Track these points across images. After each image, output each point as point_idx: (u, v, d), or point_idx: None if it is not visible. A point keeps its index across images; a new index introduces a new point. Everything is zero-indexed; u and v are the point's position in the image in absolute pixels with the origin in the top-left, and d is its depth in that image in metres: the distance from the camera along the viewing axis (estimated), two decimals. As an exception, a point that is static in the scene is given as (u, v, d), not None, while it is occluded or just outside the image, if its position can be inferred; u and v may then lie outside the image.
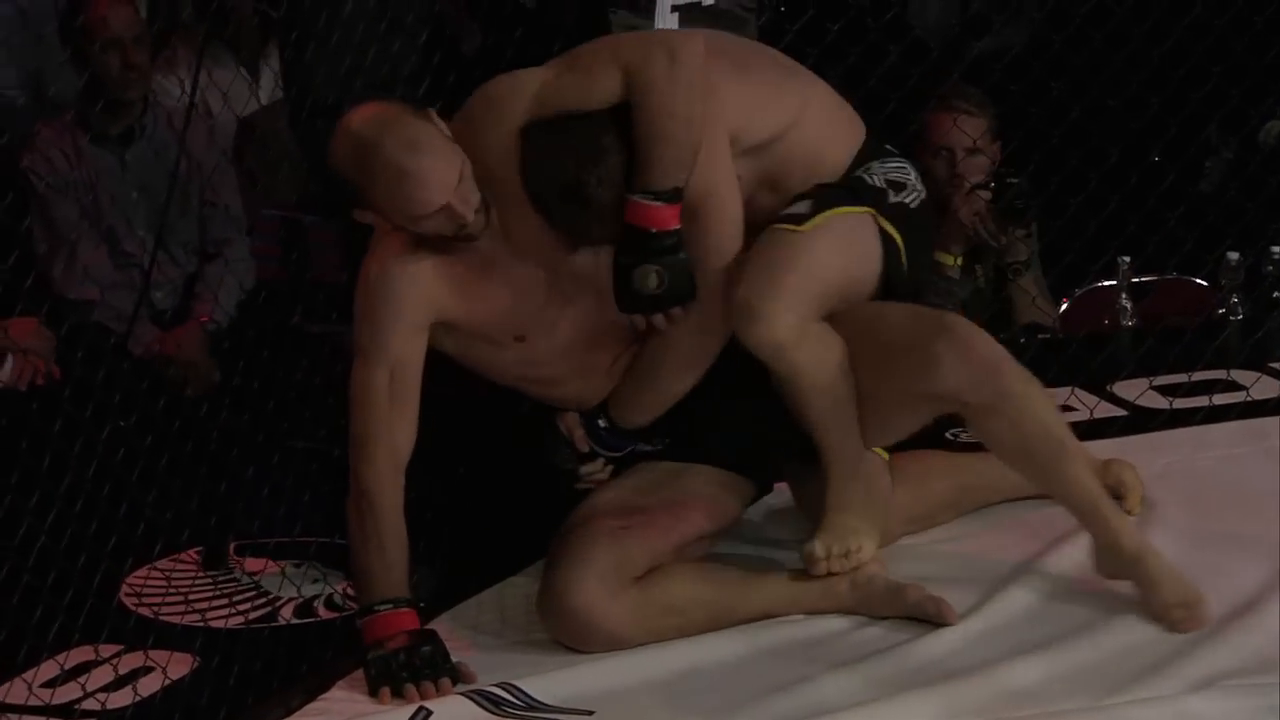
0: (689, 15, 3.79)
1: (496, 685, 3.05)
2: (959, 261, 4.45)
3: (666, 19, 3.77)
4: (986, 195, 4.41)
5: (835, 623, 3.20)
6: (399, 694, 3.04)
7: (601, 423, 3.30)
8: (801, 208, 3.26)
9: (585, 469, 3.33)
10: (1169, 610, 3.10)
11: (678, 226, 3.13)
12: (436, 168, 3.01)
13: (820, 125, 3.32)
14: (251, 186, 4.76)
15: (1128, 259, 4.54)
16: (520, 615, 3.35)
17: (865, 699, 2.94)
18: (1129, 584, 3.16)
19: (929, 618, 3.15)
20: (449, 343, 3.21)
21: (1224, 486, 3.60)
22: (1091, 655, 3.04)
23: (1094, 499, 3.16)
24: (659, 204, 3.11)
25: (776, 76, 3.34)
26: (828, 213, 3.25)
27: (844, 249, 3.26)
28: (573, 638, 3.16)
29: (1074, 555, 3.30)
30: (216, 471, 3.54)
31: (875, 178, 3.32)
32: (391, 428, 3.14)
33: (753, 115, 3.25)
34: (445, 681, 3.06)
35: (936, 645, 3.09)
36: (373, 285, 3.15)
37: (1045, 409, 3.20)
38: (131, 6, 4.61)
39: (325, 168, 3.82)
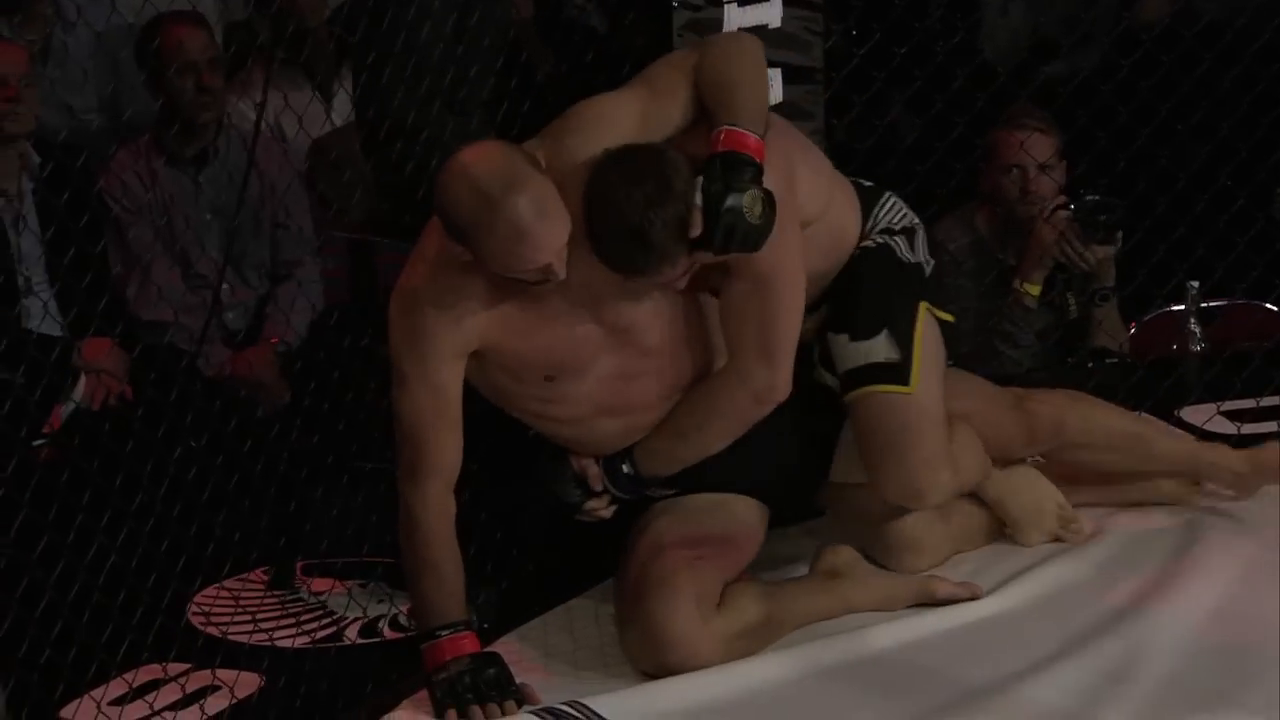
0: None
1: (566, 704, 3.06)
2: (1037, 291, 4.45)
3: (733, 43, 3.79)
4: (1067, 214, 4.41)
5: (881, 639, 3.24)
6: (464, 716, 3.05)
7: (625, 468, 3.28)
8: (886, 348, 3.31)
9: (590, 504, 3.32)
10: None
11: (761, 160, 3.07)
12: (555, 232, 2.98)
13: (842, 205, 3.37)
14: (324, 208, 4.79)
15: (1196, 284, 4.52)
16: (592, 636, 3.37)
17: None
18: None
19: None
20: (470, 367, 3.18)
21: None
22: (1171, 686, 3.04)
23: (1189, 456, 3.62)
24: (756, 137, 3.06)
25: (821, 155, 3.42)
26: (914, 344, 3.31)
27: (936, 367, 3.37)
28: (667, 666, 3.16)
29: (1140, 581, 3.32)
30: (285, 492, 3.58)
31: (900, 246, 3.39)
32: (439, 450, 3.14)
33: (810, 194, 3.27)
34: (510, 704, 3.07)
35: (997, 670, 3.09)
36: (417, 309, 3.11)
37: (1108, 417, 3.56)
38: (205, 30, 4.64)
39: (395, 189, 3.89)
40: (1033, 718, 2.97)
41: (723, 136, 3.05)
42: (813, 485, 3.49)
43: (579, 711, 3.05)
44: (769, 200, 3.03)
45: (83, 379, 4.27)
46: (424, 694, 3.13)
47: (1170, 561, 3.43)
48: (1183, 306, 4.60)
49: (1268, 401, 4.06)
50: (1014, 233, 4.53)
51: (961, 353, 3.85)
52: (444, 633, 3.12)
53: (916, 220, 3.47)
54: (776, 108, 3.84)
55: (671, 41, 3.76)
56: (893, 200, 3.46)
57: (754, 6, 3.77)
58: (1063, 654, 3.13)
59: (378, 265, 4.56)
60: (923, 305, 3.37)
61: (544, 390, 3.21)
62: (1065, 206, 4.42)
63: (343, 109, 5.00)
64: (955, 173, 4.32)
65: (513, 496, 3.55)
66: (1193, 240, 4.24)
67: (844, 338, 3.34)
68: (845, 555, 3.39)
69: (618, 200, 3.01)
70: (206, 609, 3.56)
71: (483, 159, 3.00)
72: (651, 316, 3.18)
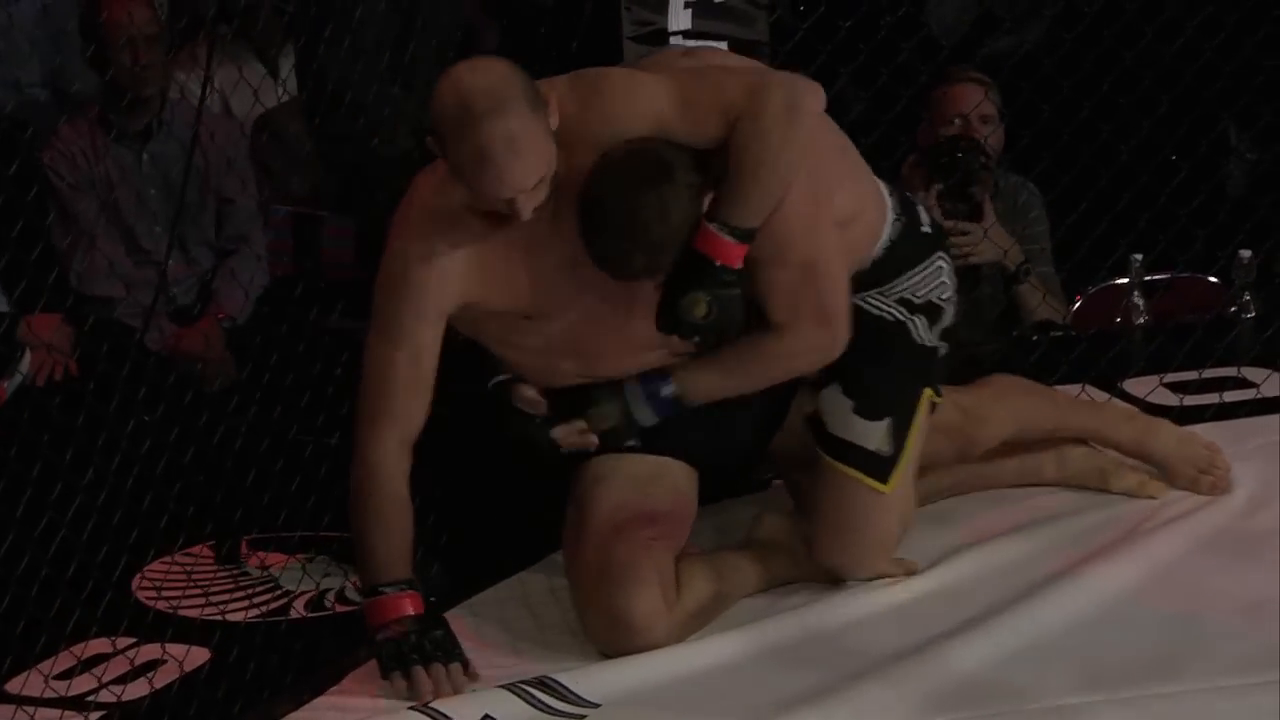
0: (701, 10, 3.81)
1: (536, 679, 3.06)
2: None
3: (679, 15, 3.79)
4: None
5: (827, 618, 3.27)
6: (408, 678, 3.03)
7: (667, 390, 3.19)
8: (881, 438, 3.28)
9: (559, 432, 3.23)
10: (1195, 482, 3.54)
11: (740, 267, 3.06)
12: (523, 171, 2.94)
13: (871, 219, 3.30)
14: (269, 180, 4.78)
15: (1140, 257, 4.54)
16: (551, 612, 3.37)
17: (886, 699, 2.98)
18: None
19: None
20: (453, 315, 3.14)
21: (1236, 480, 3.61)
22: (1102, 648, 3.07)
23: (1086, 423, 3.61)
24: (733, 240, 3.04)
25: (860, 161, 3.36)
26: (908, 441, 3.30)
27: (917, 460, 3.35)
28: (630, 650, 3.16)
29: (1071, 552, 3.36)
30: (231, 466, 3.57)
31: (917, 327, 3.33)
32: (406, 408, 3.09)
33: (842, 194, 3.24)
34: (456, 666, 3.05)
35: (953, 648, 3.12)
36: (401, 269, 3.08)
37: (1032, 410, 3.56)
38: (148, 5, 4.62)
39: (338, 163, 3.88)
40: (975, 689, 2.99)
41: (700, 235, 3.04)
42: (751, 460, 3.50)
43: (551, 686, 3.06)
44: (724, 302, 3.05)
45: (28, 354, 4.26)
46: (372, 664, 3.12)
47: (1112, 532, 3.45)
48: (1126, 280, 4.62)
49: (1210, 373, 4.08)
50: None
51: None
52: (387, 590, 3.06)
53: (947, 295, 3.37)
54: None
55: (620, 16, 3.76)
56: (936, 266, 3.36)
57: (700, -21, 3.79)
58: (1003, 625, 3.15)
59: (322, 238, 4.56)
60: (926, 393, 3.34)
61: (519, 325, 3.17)
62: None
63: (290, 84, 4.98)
64: (900, 146, 4.34)
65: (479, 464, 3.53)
66: (1136, 214, 4.26)
67: (849, 404, 3.29)
68: (782, 526, 3.40)
69: (615, 209, 3.00)
70: (155, 583, 3.55)
71: (478, 73, 2.96)
72: None
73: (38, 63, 5.03)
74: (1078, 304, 4.75)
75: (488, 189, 2.96)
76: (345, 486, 3.15)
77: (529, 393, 3.24)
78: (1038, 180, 4.62)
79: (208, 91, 4.08)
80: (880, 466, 3.29)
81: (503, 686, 3.04)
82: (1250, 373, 4.11)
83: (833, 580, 3.35)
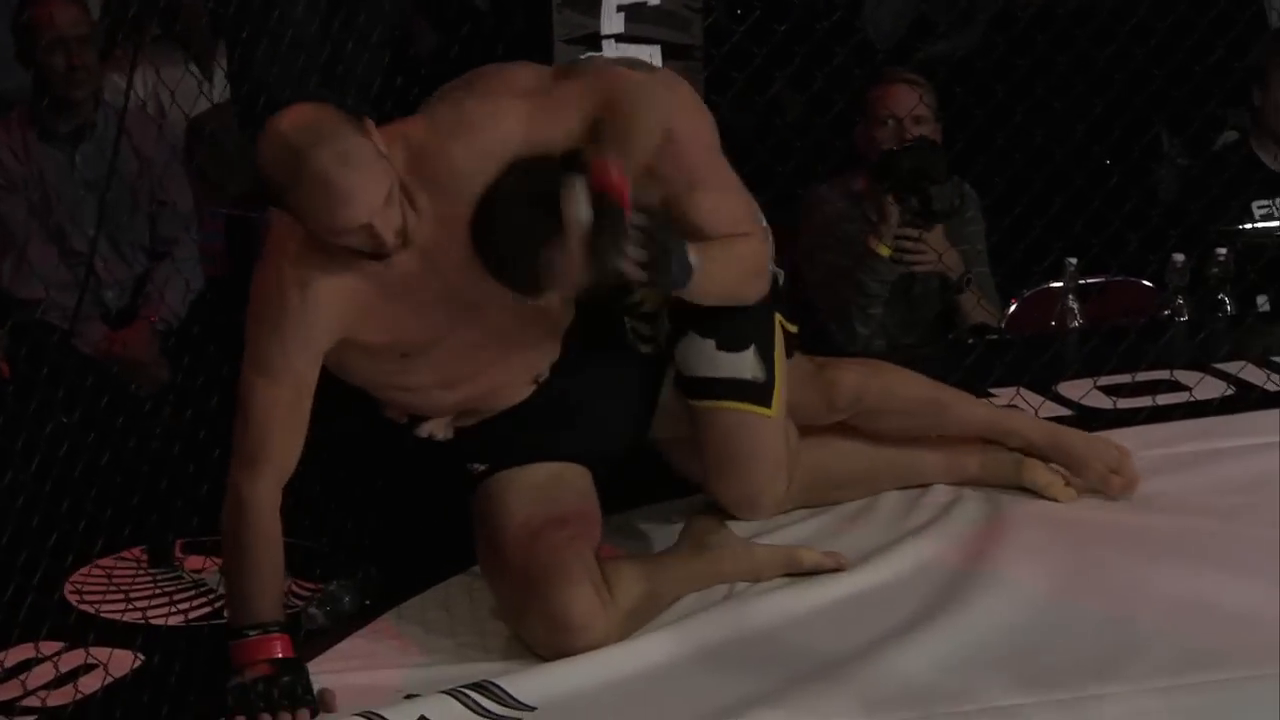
0: (635, 15, 3.81)
1: (474, 685, 3.04)
2: (886, 252, 4.50)
3: (612, 19, 3.79)
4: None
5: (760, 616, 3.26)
6: None
7: (692, 256, 3.09)
8: (753, 365, 3.29)
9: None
10: (1106, 481, 3.54)
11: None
12: (365, 186, 2.91)
13: None
14: (202, 183, 4.76)
15: (1074, 260, 4.56)
16: (468, 614, 3.35)
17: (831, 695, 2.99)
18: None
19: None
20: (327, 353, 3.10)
21: (1168, 483, 3.63)
22: (1036, 649, 3.08)
23: (987, 421, 3.63)
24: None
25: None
26: (777, 363, 3.31)
27: (787, 381, 3.35)
28: (570, 651, 3.14)
29: (1006, 553, 3.36)
30: (163, 469, 3.54)
31: None
32: (285, 446, 3.05)
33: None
34: (303, 713, 3.00)
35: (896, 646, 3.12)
36: (279, 300, 3.03)
37: (906, 386, 3.55)
38: (78, 5, 4.59)
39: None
40: (909, 691, 2.98)
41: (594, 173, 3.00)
42: (635, 447, 3.46)
43: (488, 689, 3.03)
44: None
45: (-46, 355, 4.22)
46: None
47: (1041, 532, 3.47)
48: (1061, 283, 4.64)
49: (1143, 376, 4.09)
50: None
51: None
52: (252, 632, 3.02)
53: (766, 224, 3.39)
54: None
55: (551, 17, 3.75)
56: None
57: (634, -18, 3.79)
58: (935, 626, 3.15)
59: (257, 240, 4.53)
60: (777, 317, 3.36)
61: (396, 364, 3.16)
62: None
63: (222, 86, 4.96)
64: (835, 149, 4.35)
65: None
66: (1070, 218, 4.28)
67: (709, 343, 3.30)
68: (714, 526, 3.41)
69: (517, 233, 2.99)
70: (81, 588, 3.52)
71: (292, 115, 2.94)
72: (504, 295, 3.11)
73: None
74: (1013, 307, 4.76)
75: (339, 215, 2.92)
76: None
77: (430, 426, 3.27)
78: (973, 184, 4.64)
79: (137, 93, 4.04)
80: (759, 391, 3.30)
81: (443, 692, 3.02)
82: (1183, 376, 4.13)
83: (760, 578, 3.35)
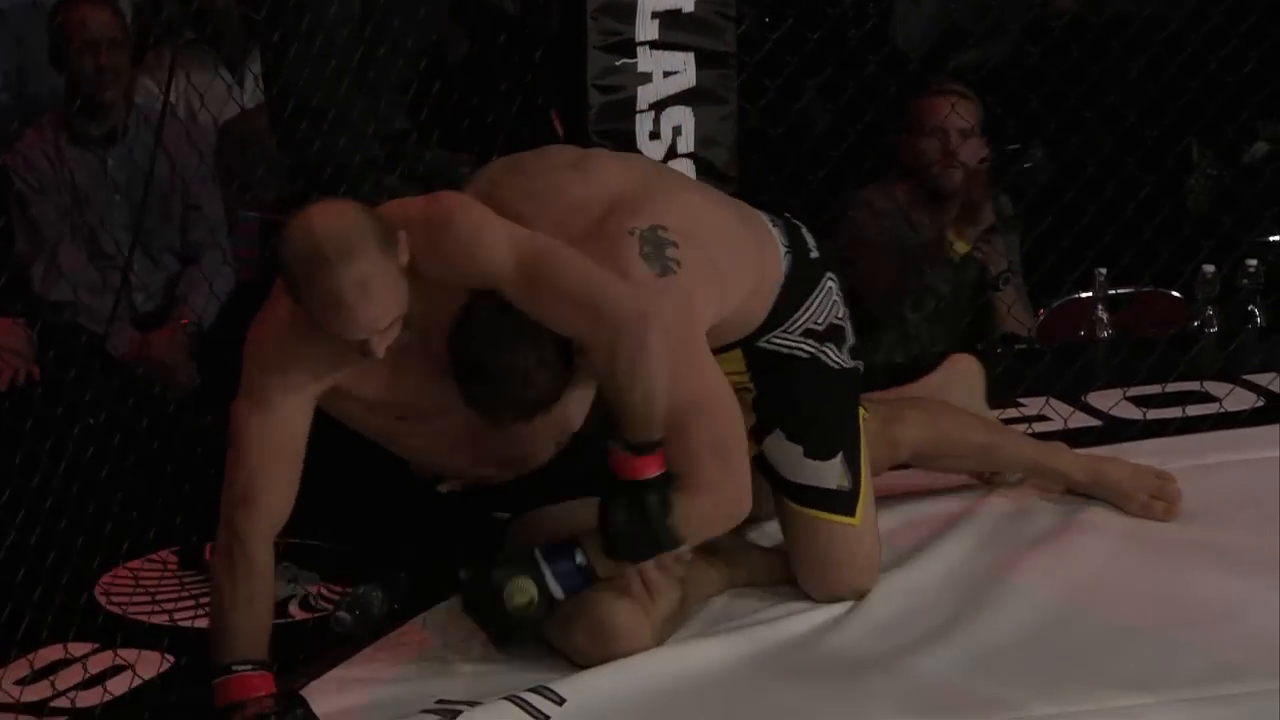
0: (669, 21, 3.82)
1: (530, 690, 3.03)
2: (964, 249, 4.49)
3: (646, 25, 3.79)
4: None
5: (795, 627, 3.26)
6: None
7: (579, 559, 3.11)
8: (839, 474, 3.29)
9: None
10: (1149, 509, 3.54)
11: (658, 472, 3.03)
12: (373, 315, 2.91)
13: (767, 271, 3.26)
14: (233, 189, 4.76)
15: (1104, 271, 4.56)
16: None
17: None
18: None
19: None
20: (325, 399, 3.10)
21: (1198, 495, 3.60)
22: (1060, 660, 3.08)
23: (1032, 462, 3.64)
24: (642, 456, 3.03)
25: (742, 254, 3.24)
26: (862, 468, 3.31)
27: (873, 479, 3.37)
28: (613, 657, 3.14)
29: (1034, 562, 3.37)
30: (195, 472, 3.55)
31: (830, 354, 3.30)
32: (277, 487, 3.03)
33: (720, 309, 3.19)
34: None
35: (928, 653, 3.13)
36: (276, 341, 3.03)
37: (960, 432, 3.58)
38: (110, 9, 4.61)
39: (304, 169, 3.87)
40: (941, 699, 2.99)
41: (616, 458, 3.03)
42: None
43: (547, 694, 3.04)
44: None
45: (-12, 359, 4.24)
46: (334, 674, 3.12)
47: (1070, 542, 3.47)
48: (1090, 293, 4.64)
49: (1173, 387, 4.09)
50: (932, 206, 4.58)
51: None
52: (243, 669, 2.98)
53: (842, 313, 3.34)
54: (689, 92, 3.87)
55: (585, 25, 3.75)
56: (827, 288, 3.32)
57: (668, -10, 3.79)
58: (965, 634, 3.15)
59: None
60: (862, 413, 3.36)
61: (395, 425, 3.18)
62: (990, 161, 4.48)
63: (253, 89, 4.97)
64: (866, 159, 4.34)
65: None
66: (1101, 228, 4.28)
67: (797, 450, 3.29)
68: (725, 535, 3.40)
69: (490, 363, 3.01)
70: (111, 590, 3.53)
71: (329, 217, 2.91)
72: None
73: (-1, 65, 5.01)
74: (1042, 317, 4.76)
75: (341, 332, 2.93)
76: (304, 490, 3.11)
77: (450, 484, 3.29)
78: (1005, 192, 4.64)
79: (172, 97, 4.04)
80: (845, 502, 3.30)
81: (504, 698, 3.01)
82: (1213, 387, 4.12)
83: (788, 582, 3.36)
